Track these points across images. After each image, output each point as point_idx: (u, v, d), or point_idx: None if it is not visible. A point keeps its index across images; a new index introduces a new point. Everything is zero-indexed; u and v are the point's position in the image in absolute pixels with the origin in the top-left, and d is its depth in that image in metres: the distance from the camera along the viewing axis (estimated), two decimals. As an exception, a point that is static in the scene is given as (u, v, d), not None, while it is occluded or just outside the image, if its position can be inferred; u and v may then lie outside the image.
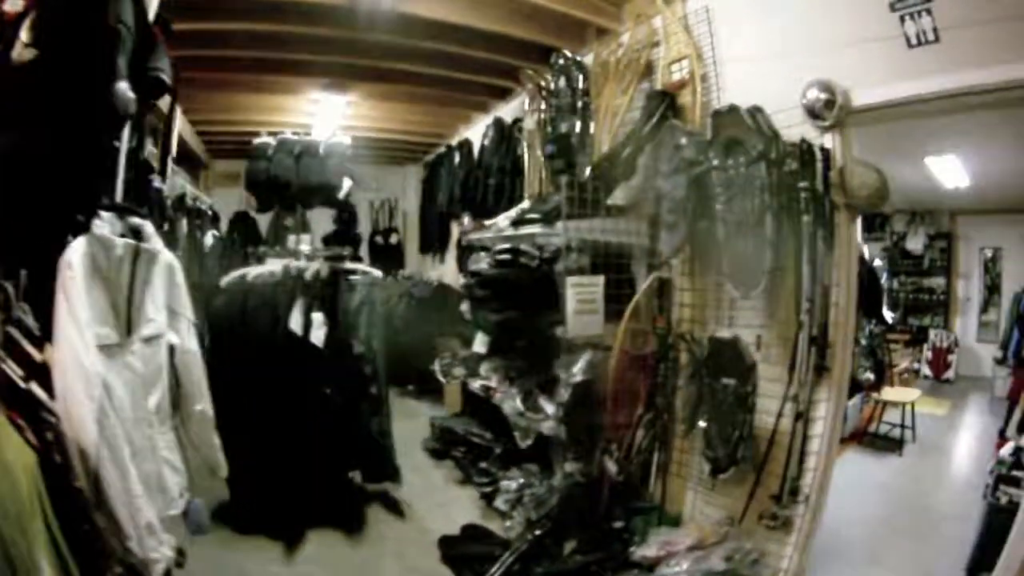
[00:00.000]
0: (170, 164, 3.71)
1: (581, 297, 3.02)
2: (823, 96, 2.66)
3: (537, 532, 3.07)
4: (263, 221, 6.26)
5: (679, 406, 3.00)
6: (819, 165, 2.58)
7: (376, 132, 6.56)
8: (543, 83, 3.90)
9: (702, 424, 2.84)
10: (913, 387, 6.83)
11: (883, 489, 4.37)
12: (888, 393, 5.51)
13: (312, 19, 3.87)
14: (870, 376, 5.38)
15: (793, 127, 2.70)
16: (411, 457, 4.44)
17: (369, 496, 3.79)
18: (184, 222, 5.29)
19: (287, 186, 5.58)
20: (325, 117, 5.77)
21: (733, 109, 2.70)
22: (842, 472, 4.55)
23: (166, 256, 2.18)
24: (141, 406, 2.03)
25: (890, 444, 5.24)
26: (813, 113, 2.70)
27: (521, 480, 3.54)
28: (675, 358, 3.04)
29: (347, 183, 5.63)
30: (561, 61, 3.79)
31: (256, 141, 5.73)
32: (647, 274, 3.23)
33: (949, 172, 6.13)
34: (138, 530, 1.82)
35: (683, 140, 2.88)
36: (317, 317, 3.33)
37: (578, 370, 3.07)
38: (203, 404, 2.38)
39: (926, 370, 8.40)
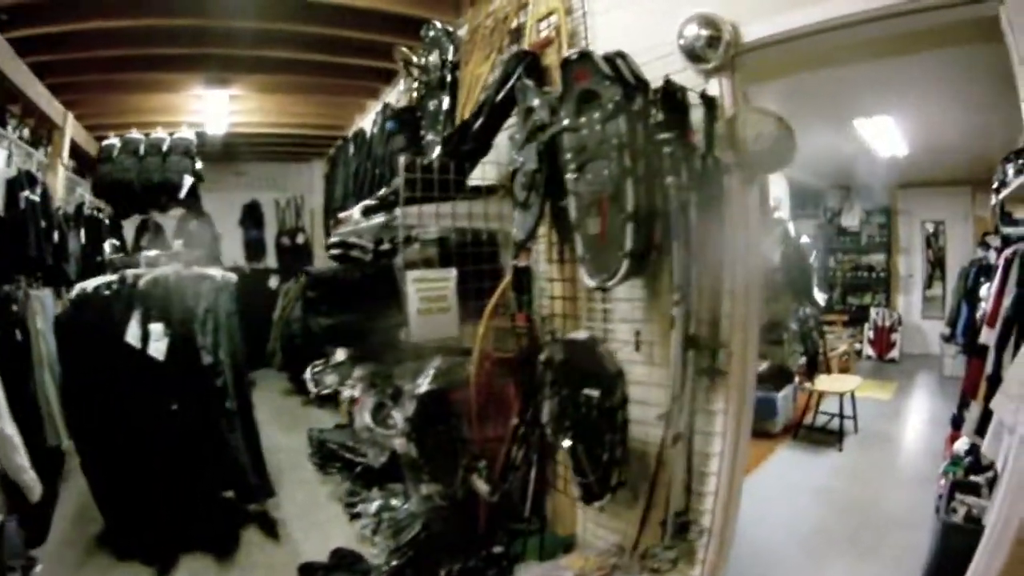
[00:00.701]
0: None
1: (426, 294, 2.27)
2: (704, 33, 2.01)
3: (394, 563, 2.50)
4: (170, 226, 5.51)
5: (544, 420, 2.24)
6: (693, 113, 1.91)
7: (273, 127, 5.84)
8: (414, 59, 3.16)
9: (566, 444, 2.07)
10: (854, 369, 6.11)
11: (820, 492, 3.62)
12: (824, 382, 4.70)
13: (175, 10, 3.36)
14: (803, 361, 4.57)
15: (672, 75, 1.97)
16: (301, 470, 3.98)
17: (248, 516, 3.26)
18: (81, 233, 4.66)
19: (129, 187, 4.99)
20: (211, 113, 5.07)
21: (585, 55, 1.98)
22: (772, 474, 3.86)
23: None
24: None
25: (828, 437, 4.44)
26: (693, 54, 2.05)
27: (379, 502, 2.92)
28: (547, 361, 2.27)
29: (188, 180, 4.93)
30: (431, 33, 3.17)
31: (103, 143, 5.11)
32: (514, 264, 2.47)
33: (883, 137, 5.17)
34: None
35: (535, 101, 2.16)
36: (156, 328, 2.85)
37: (425, 379, 2.34)
38: (3, 425, 2.20)
39: (869, 350, 7.69)
